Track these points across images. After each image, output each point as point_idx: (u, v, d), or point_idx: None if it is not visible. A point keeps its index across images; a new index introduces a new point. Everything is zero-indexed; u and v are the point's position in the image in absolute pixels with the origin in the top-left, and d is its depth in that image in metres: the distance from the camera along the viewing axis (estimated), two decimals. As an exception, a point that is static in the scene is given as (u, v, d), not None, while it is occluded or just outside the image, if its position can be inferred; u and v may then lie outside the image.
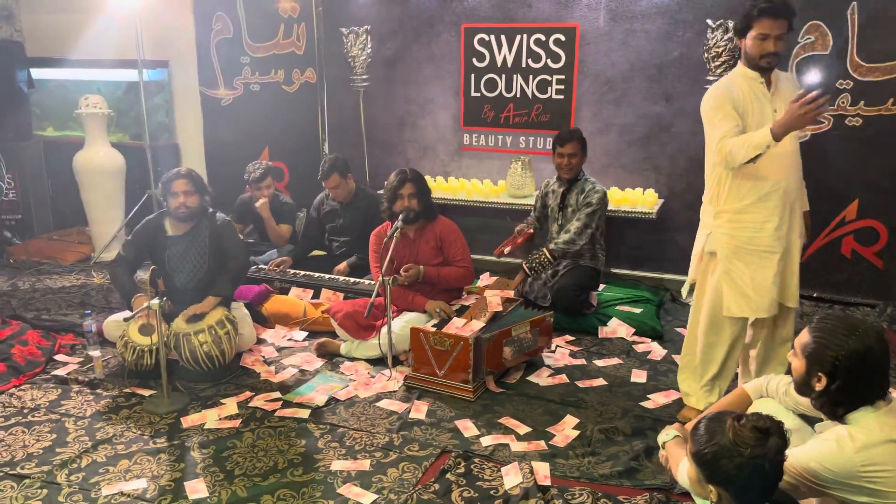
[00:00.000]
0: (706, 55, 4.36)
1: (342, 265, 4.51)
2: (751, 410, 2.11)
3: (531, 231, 4.39)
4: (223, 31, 5.58)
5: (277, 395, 3.34)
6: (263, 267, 4.63)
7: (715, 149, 2.74)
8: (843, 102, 4.23)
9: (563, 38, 4.85)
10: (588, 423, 3.08)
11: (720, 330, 2.96)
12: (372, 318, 3.59)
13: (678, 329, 4.15)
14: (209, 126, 5.85)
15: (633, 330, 4.07)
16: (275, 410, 3.18)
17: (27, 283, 4.98)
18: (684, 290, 3.16)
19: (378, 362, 3.66)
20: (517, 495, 2.56)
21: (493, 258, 4.43)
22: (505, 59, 5.03)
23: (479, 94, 5.17)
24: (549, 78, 4.95)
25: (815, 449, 1.89)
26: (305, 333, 4.05)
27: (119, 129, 6.22)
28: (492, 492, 2.59)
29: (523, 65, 4.99)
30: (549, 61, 4.92)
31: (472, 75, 5.15)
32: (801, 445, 1.93)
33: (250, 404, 3.24)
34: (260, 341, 3.95)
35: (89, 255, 5.59)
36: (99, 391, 3.38)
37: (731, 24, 4.25)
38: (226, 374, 3.52)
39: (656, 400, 3.30)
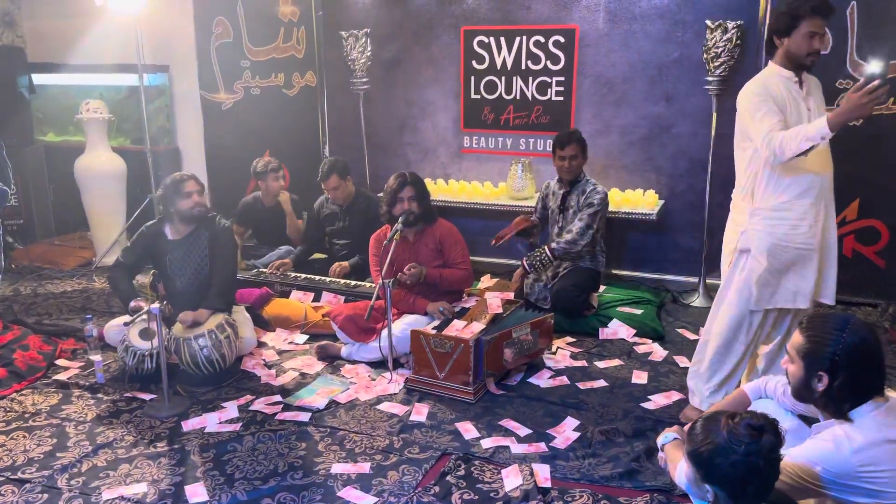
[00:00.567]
0: (706, 56, 4.35)
1: (343, 264, 4.50)
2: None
3: (533, 220, 4.37)
4: (223, 35, 5.59)
5: (278, 398, 3.34)
6: (264, 270, 4.64)
7: (762, 142, 2.70)
8: (843, 101, 4.21)
9: (562, 39, 4.85)
10: (589, 424, 3.08)
11: (741, 329, 2.95)
12: (372, 320, 3.59)
13: (679, 330, 4.15)
14: (210, 130, 5.86)
15: (634, 331, 4.06)
16: (275, 414, 3.19)
17: (29, 288, 4.99)
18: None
19: (379, 365, 3.66)
20: (517, 497, 2.55)
21: (495, 260, 4.43)
22: (504, 61, 5.03)
23: (478, 97, 5.17)
24: (548, 80, 4.95)
25: (812, 449, 1.89)
26: (306, 336, 4.05)
27: (120, 134, 6.23)
28: (492, 494, 2.59)
29: (523, 67, 4.99)
30: (548, 63, 4.92)
31: (472, 77, 5.15)
32: (798, 446, 1.93)
33: (251, 408, 3.25)
34: (261, 344, 3.96)
35: (91, 259, 5.60)
36: (100, 395, 3.39)
37: (729, 24, 4.25)
38: (226, 377, 3.52)
39: (657, 401, 3.29)
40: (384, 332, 3.52)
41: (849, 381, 1.87)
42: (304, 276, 4.56)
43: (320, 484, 2.66)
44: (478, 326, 3.39)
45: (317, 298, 4.33)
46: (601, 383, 3.48)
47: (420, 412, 3.18)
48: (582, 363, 3.72)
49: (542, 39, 4.90)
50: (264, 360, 3.77)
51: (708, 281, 4.66)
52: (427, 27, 5.20)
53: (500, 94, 5.10)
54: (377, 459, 2.81)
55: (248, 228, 5.16)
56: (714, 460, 1.69)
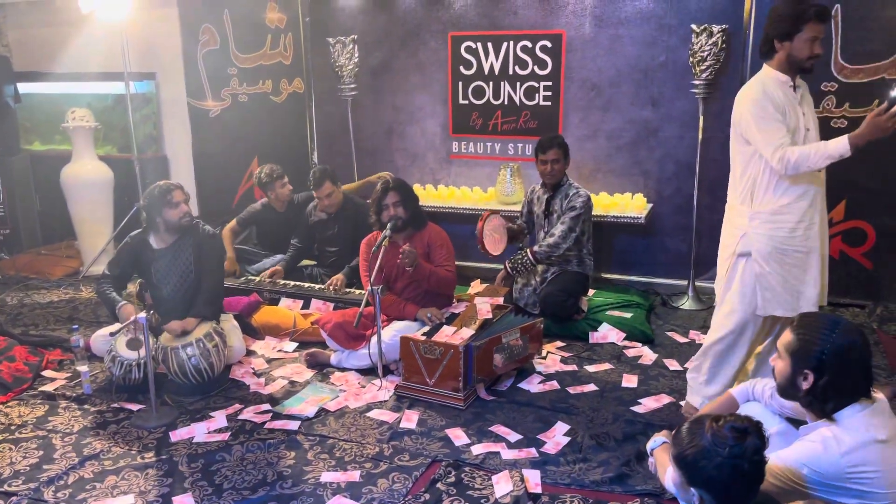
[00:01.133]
0: (691, 60, 4.37)
1: (340, 278, 4.43)
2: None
3: (508, 223, 4.34)
4: (210, 42, 5.56)
5: (267, 406, 3.32)
6: (253, 277, 4.62)
7: (773, 156, 2.73)
8: (828, 104, 4.25)
9: (549, 44, 4.86)
10: (579, 429, 3.08)
11: (745, 331, 2.97)
12: (361, 327, 3.58)
13: (669, 333, 4.16)
14: (197, 137, 5.82)
15: (624, 335, 4.07)
16: (264, 423, 3.17)
17: (15, 299, 4.95)
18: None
19: (368, 372, 3.64)
20: (508, 503, 2.55)
21: (484, 265, 4.42)
22: (492, 66, 5.04)
23: (466, 102, 5.17)
24: (536, 84, 4.96)
25: (800, 451, 1.90)
26: (295, 344, 4.03)
27: (107, 142, 6.20)
28: (482, 500, 2.58)
29: (510, 72, 5.00)
30: (535, 68, 4.94)
31: (460, 83, 5.15)
32: (786, 448, 1.93)
33: (240, 417, 3.23)
34: (250, 353, 3.94)
35: (78, 268, 5.56)
36: (86, 406, 3.36)
37: (714, 28, 4.27)
38: (215, 386, 3.49)
39: (647, 405, 3.29)
40: (373, 339, 3.51)
41: (834, 381, 1.88)
42: (293, 283, 4.54)
43: (310, 493, 2.64)
44: (467, 332, 3.39)
45: (306, 306, 4.31)
46: (591, 388, 3.47)
47: (410, 419, 3.17)
48: (572, 367, 3.72)
49: (529, 44, 4.91)
50: (253, 368, 3.75)
51: (697, 284, 4.68)
52: (414, 33, 5.21)
53: (488, 99, 5.11)
54: (367, 467, 2.80)
55: (245, 230, 5.13)
56: (699, 463, 1.70)
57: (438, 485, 2.67)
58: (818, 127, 2.95)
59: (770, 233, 2.83)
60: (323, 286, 4.43)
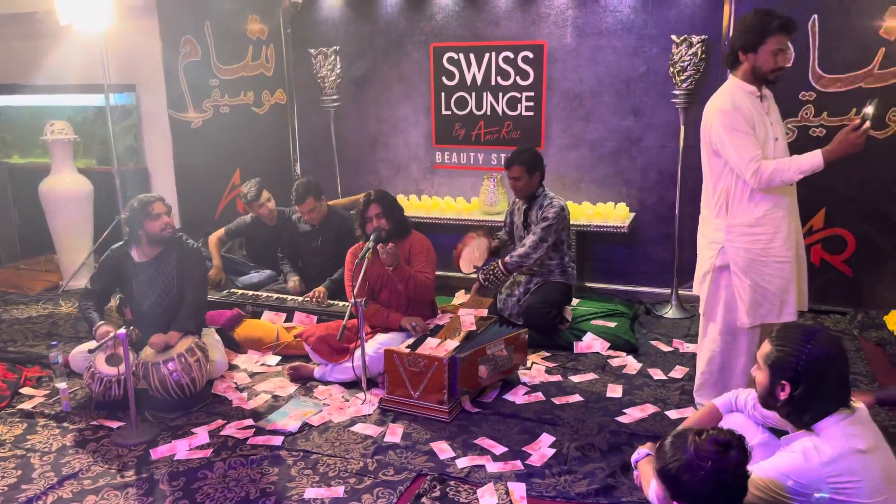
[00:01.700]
0: (672, 70, 4.41)
1: (321, 290, 4.41)
2: (721, 425, 2.12)
3: (488, 239, 4.35)
4: (191, 53, 5.55)
5: (250, 422, 3.28)
6: (235, 291, 4.58)
7: (748, 171, 2.74)
8: (805, 114, 4.30)
9: (531, 55, 4.89)
10: (564, 440, 3.07)
11: (737, 342, 2.98)
12: (345, 340, 3.55)
13: (653, 342, 4.17)
14: (179, 150, 5.80)
15: (608, 344, 4.07)
16: (247, 438, 3.13)
17: (-7, 314, 4.88)
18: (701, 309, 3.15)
19: (353, 385, 3.62)
20: (493, 518, 2.53)
21: (469, 276, 4.41)
22: (474, 76, 5.06)
23: (449, 112, 5.18)
24: (518, 95, 4.98)
25: (781, 462, 1.90)
26: (279, 358, 4.00)
27: (88, 155, 6.14)
28: (468, 515, 2.57)
29: (493, 82, 5.02)
30: (518, 78, 4.95)
31: (443, 94, 5.16)
32: (768, 459, 1.94)
33: (222, 433, 3.19)
34: (232, 367, 3.90)
35: (57, 283, 5.49)
36: (66, 424, 3.30)
37: (694, 39, 4.31)
38: (197, 402, 3.45)
39: (632, 414, 3.29)
40: (357, 352, 3.48)
41: (810, 391, 1.90)
42: (275, 296, 4.50)
43: (293, 510, 2.61)
44: (452, 344, 3.38)
45: (289, 319, 4.28)
46: (576, 398, 3.47)
47: (395, 433, 3.15)
48: (557, 378, 3.71)
49: (511, 55, 4.93)
50: (236, 383, 3.71)
51: (680, 292, 4.70)
52: (397, 44, 5.21)
53: (471, 109, 5.12)
54: (351, 483, 2.77)
55: (232, 241, 5.09)
56: (682, 477, 1.70)
57: (423, 499, 2.64)
58: (785, 136, 2.98)
59: (747, 245, 2.85)
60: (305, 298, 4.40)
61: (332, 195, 5.34)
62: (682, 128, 4.49)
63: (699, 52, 4.33)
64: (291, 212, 4.83)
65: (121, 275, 3.66)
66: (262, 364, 3.95)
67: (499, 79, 5.00)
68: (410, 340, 3.54)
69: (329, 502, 2.65)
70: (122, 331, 3.09)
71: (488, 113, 5.08)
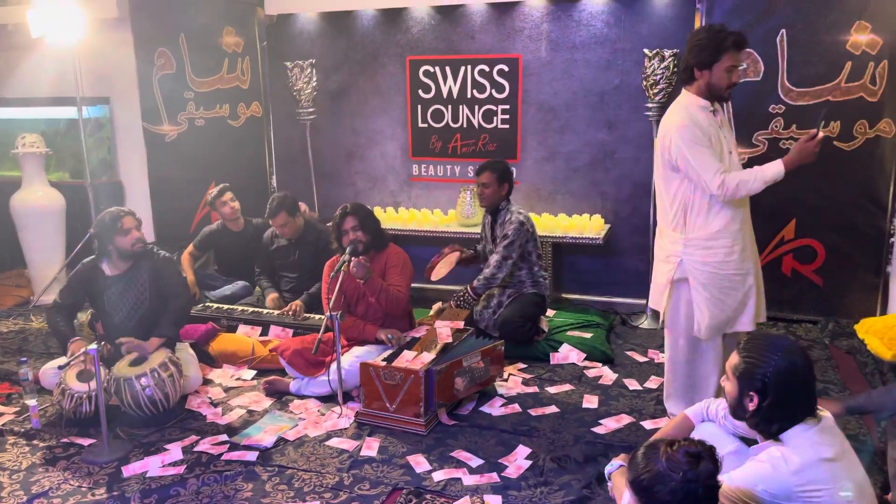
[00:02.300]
0: (645, 83, 4.47)
1: (298, 304, 4.38)
2: (693, 435, 2.14)
3: (464, 250, 4.37)
4: (166, 66, 5.50)
5: (224, 437, 3.25)
6: (210, 305, 4.54)
7: (713, 184, 2.78)
8: (776, 126, 4.37)
9: (506, 68, 4.93)
10: (540, 452, 3.07)
11: (701, 351, 3.02)
12: (321, 354, 3.54)
13: (628, 353, 4.19)
14: (153, 162, 5.72)
15: (584, 355, 4.09)
16: (221, 454, 3.09)
17: (-39, 330, 4.78)
18: (660, 317, 3.16)
19: (329, 399, 3.60)
20: (469, 531, 2.52)
21: (446, 288, 4.42)
22: (450, 89, 5.08)
23: (426, 125, 5.20)
24: (494, 108, 5.01)
25: (751, 471, 1.93)
26: (254, 372, 3.97)
27: (60, 168, 6.07)
28: (444, 529, 2.56)
29: (468, 95, 5.05)
30: (493, 91, 4.99)
31: (419, 106, 5.18)
32: (738, 468, 1.96)
33: (195, 449, 3.15)
34: (206, 381, 3.86)
35: (28, 298, 5.40)
36: (35, 442, 3.24)
37: (666, 53, 4.38)
38: (170, 418, 3.41)
39: (608, 425, 3.31)
40: (333, 366, 3.47)
41: (777, 402, 1.93)
42: (251, 309, 4.47)
43: (267, 526, 2.59)
44: (428, 357, 3.37)
45: (264, 333, 4.25)
46: (553, 409, 3.48)
47: (371, 447, 3.13)
48: (533, 389, 3.72)
49: (486, 68, 4.97)
50: (210, 397, 3.68)
51: (655, 302, 4.74)
52: (372, 57, 5.22)
53: (447, 122, 5.14)
54: (326, 498, 2.75)
55: (204, 254, 5.05)
56: (654, 488, 1.71)
57: (399, 513, 2.63)
58: (737, 148, 3.05)
59: (705, 258, 2.90)
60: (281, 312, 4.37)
61: (308, 208, 5.31)
62: (656, 140, 4.54)
63: (671, 66, 4.39)
64: (260, 223, 4.82)
65: (91, 289, 3.61)
66: (238, 378, 3.92)
67: (475, 92, 5.03)
68: (387, 353, 3.53)
69: (304, 518, 2.63)
70: (94, 347, 3.05)
71: (464, 126, 5.11)
